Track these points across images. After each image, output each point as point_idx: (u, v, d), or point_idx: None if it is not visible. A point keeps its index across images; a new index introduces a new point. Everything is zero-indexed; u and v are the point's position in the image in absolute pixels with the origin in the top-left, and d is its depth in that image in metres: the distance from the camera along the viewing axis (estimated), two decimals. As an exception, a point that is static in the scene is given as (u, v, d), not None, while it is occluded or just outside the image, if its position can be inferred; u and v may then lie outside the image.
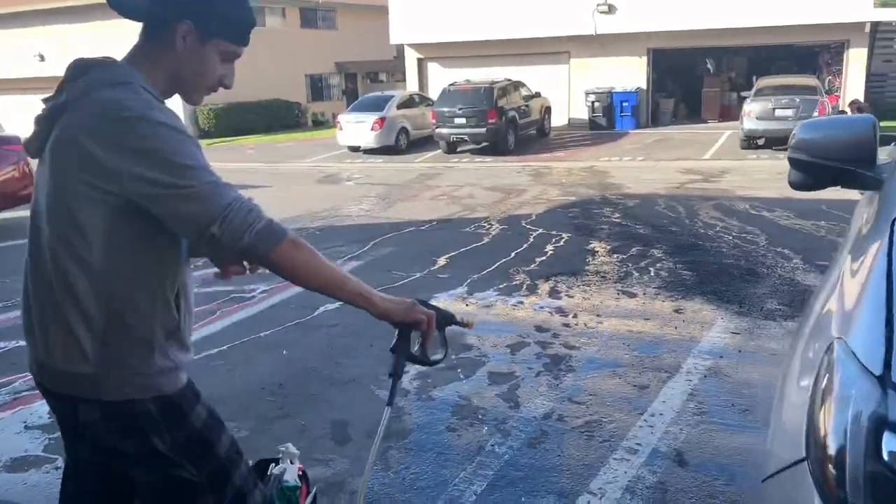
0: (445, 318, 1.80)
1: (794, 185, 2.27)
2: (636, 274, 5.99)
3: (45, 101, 1.55)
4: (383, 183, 12.46)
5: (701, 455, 3.15)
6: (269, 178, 13.61)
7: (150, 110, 1.43)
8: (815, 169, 2.15)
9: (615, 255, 6.61)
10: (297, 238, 1.52)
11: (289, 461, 2.66)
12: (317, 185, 12.65)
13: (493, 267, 6.32)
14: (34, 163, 1.61)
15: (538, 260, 6.51)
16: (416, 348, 1.76)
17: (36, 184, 1.57)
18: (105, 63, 1.53)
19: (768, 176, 11.37)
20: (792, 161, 2.21)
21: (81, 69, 1.52)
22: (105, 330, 1.53)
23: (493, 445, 3.30)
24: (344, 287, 1.59)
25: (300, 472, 2.64)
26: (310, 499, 2.64)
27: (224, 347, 4.62)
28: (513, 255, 6.72)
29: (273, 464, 2.65)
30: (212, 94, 1.68)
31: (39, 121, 1.53)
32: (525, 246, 7.06)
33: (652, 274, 5.98)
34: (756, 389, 3.77)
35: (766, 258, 6.32)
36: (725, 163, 13.04)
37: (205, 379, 4.15)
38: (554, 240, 7.29)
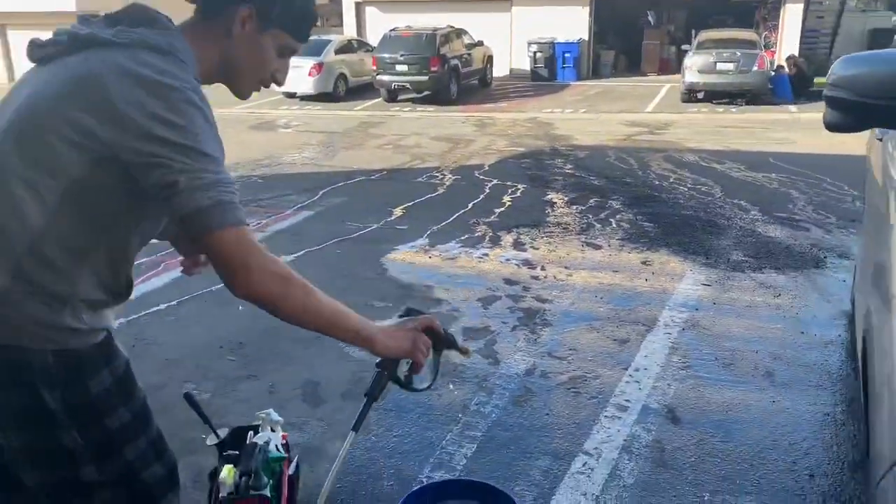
0: (447, 342, 1.64)
1: (832, 127, 2.09)
2: (598, 226, 5.87)
3: (83, 20, 1.41)
4: (324, 130, 12.01)
5: (693, 411, 3.05)
6: (201, 124, 12.92)
7: (190, 89, 1.33)
8: (857, 108, 1.98)
9: (574, 207, 6.47)
10: (278, 264, 1.37)
11: (269, 429, 2.42)
12: (253, 132, 12.10)
13: (451, 218, 6.10)
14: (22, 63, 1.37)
15: (497, 211, 6.32)
16: (404, 369, 1.58)
17: (14, 87, 1.41)
18: (165, 27, 1.40)
19: (711, 129, 11.44)
20: (830, 100, 2.03)
21: (138, 20, 1.39)
22: (21, 269, 1.34)
23: (477, 405, 3.12)
24: (338, 323, 1.44)
25: (284, 441, 2.42)
26: (292, 467, 2.42)
27: (173, 303, 4.29)
28: (470, 206, 6.51)
29: (251, 432, 2.41)
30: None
31: (71, 38, 1.36)
32: (481, 197, 6.85)
33: (614, 225, 5.86)
34: (736, 343, 3.70)
35: (724, 210, 6.29)
36: (668, 115, 13.06)
37: (157, 337, 3.84)
38: (510, 191, 7.10)
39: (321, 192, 7.11)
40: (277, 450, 2.30)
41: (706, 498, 2.50)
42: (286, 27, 1.48)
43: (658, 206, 6.45)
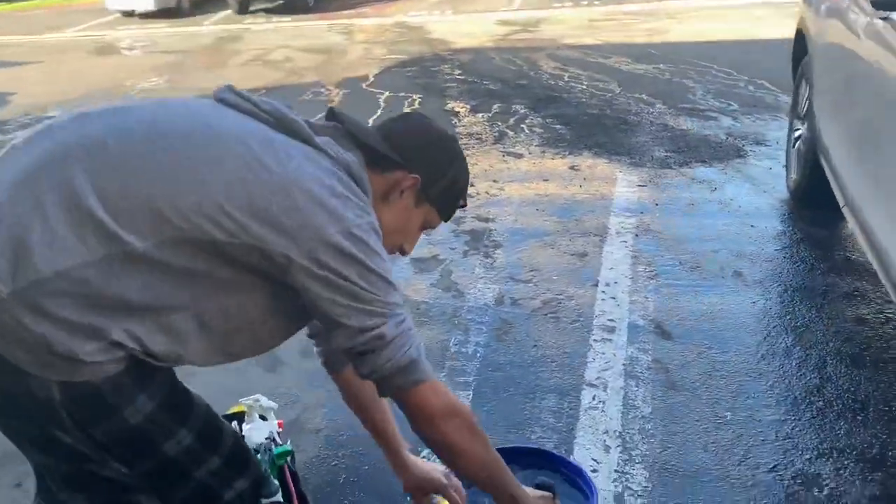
0: None
1: (881, 5, 1.88)
2: (511, 133, 5.60)
3: (290, 109, 1.33)
4: (176, 50, 10.89)
5: (681, 324, 2.92)
6: (32, 52, 11.41)
7: (375, 220, 1.27)
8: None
9: (480, 115, 6.15)
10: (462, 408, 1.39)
11: (257, 416, 2.04)
12: (95, 58, 10.80)
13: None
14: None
15: (401, 125, 5.90)
16: None
17: (172, 106, 1.32)
18: (359, 163, 1.33)
19: (582, 23, 11.31)
20: None
21: (341, 141, 1.32)
22: (62, 275, 1.10)
23: (457, 345, 2.84)
24: (502, 484, 1.44)
25: (280, 429, 2.05)
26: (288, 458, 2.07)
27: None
28: (370, 122, 6.04)
29: (234, 422, 2.03)
30: None
31: (278, 115, 1.28)
32: (380, 111, 6.39)
33: (527, 131, 5.62)
34: (693, 244, 3.59)
35: (629, 105, 6.17)
36: (536, 13, 12.78)
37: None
38: (407, 102, 6.67)
39: (199, 121, 6.39)
40: (275, 442, 1.94)
41: (728, 417, 2.37)
42: (439, 204, 1.44)
43: (563, 107, 6.25)
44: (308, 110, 6.33)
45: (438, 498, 1.60)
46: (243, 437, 1.90)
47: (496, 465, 1.40)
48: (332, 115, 1.42)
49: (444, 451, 1.36)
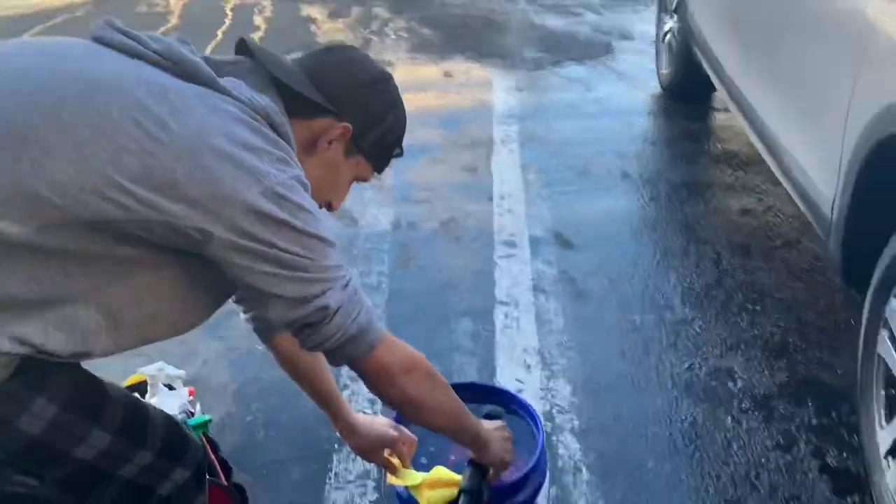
0: None
1: None
2: (376, 39, 5.33)
3: (186, 43, 1.14)
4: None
5: (579, 231, 2.92)
6: None
7: (301, 172, 1.10)
8: None
9: (340, 20, 5.81)
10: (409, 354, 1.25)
11: (162, 385, 1.85)
12: None
13: (206, 52, 5.16)
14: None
15: (257, 36, 5.46)
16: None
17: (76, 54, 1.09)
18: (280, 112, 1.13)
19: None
20: None
21: (262, 83, 1.14)
22: None
23: (360, 277, 2.71)
24: (464, 425, 1.33)
25: (192, 397, 1.88)
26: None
27: None
28: (220, 35, 5.56)
29: (135, 394, 1.83)
30: None
31: (176, 56, 1.07)
32: (228, 21, 5.88)
33: (393, 37, 5.37)
34: (578, 147, 3.59)
35: (492, 3, 6.02)
36: None
37: None
38: (256, 9, 6.17)
39: (24, 37, 5.64)
40: (189, 414, 1.77)
41: (638, 321, 2.42)
42: (372, 156, 1.28)
43: (425, 8, 6.00)
44: (144, 23, 5.72)
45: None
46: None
47: (458, 409, 1.31)
48: (242, 47, 1.21)
49: (406, 407, 1.27)
